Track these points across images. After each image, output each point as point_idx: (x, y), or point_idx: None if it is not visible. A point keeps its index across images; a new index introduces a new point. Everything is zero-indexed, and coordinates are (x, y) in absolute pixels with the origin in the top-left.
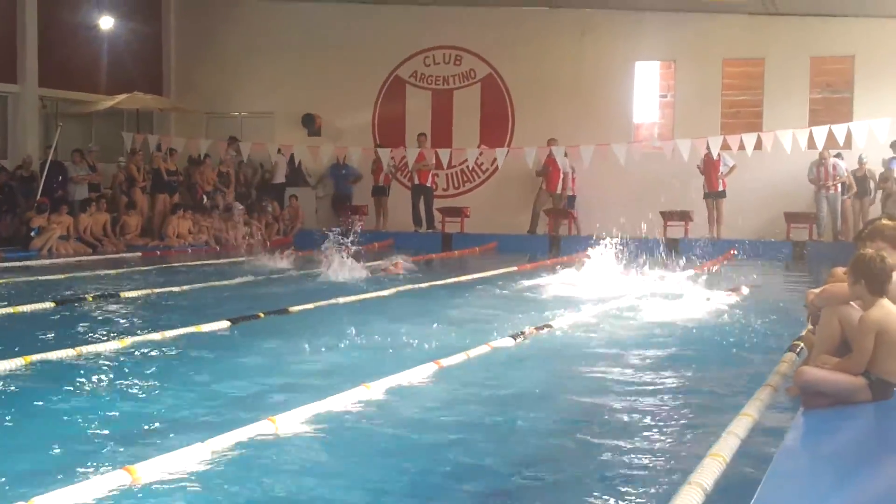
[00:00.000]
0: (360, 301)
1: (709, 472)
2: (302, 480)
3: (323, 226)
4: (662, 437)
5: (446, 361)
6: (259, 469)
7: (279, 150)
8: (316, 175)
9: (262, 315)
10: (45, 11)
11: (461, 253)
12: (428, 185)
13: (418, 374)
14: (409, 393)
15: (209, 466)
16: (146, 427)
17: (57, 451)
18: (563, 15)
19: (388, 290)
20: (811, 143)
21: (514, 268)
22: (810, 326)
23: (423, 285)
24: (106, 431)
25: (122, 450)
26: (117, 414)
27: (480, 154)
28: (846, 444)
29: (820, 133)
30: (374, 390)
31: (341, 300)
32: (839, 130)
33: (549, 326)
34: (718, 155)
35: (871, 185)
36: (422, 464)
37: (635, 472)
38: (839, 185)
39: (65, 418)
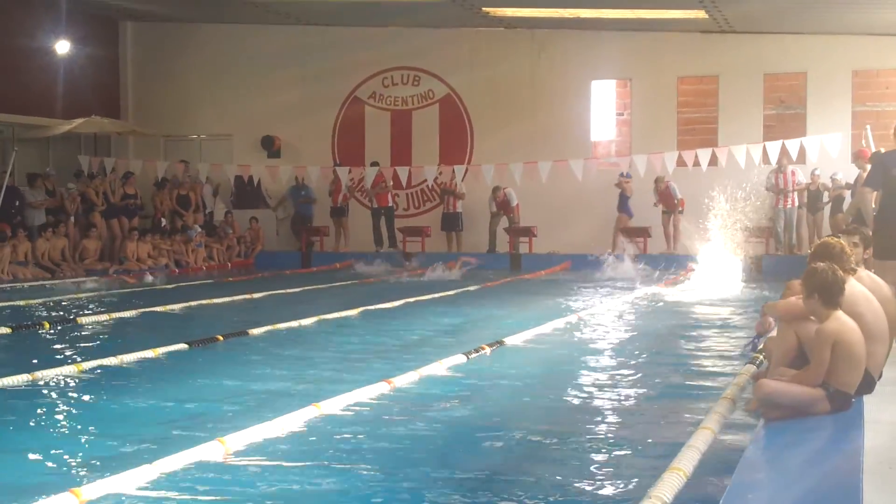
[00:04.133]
0: (319, 322)
1: (668, 485)
2: (249, 502)
3: (284, 247)
4: (621, 452)
5: (398, 380)
6: (207, 490)
7: (207, 179)
8: (276, 196)
9: (220, 338)
10: (0, 35)
11: (422, 271)
12: (389, 205)
13: (369, 393)
14: (359, 412)
15: (157, 488)
16: (95, 449)
17: (3, 473)
18: (520, 35)
19: (348, 311)
20: (765, 159)
21: (474, 286)
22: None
23: (384, 305)
24: (54, 454)
25: (69, 472)
26: (67, 436)
27: (440, 173)
28: (806, 456)
29: (774, 148)
30: (325, 409)
31: (304, 322)
32: (793, 145)
33: (502, 343)
34: (666, 185)
35: (825, 198)
36: (371, 482)
37: (593, 488)
38: (795, 197)
39: (14, 441)
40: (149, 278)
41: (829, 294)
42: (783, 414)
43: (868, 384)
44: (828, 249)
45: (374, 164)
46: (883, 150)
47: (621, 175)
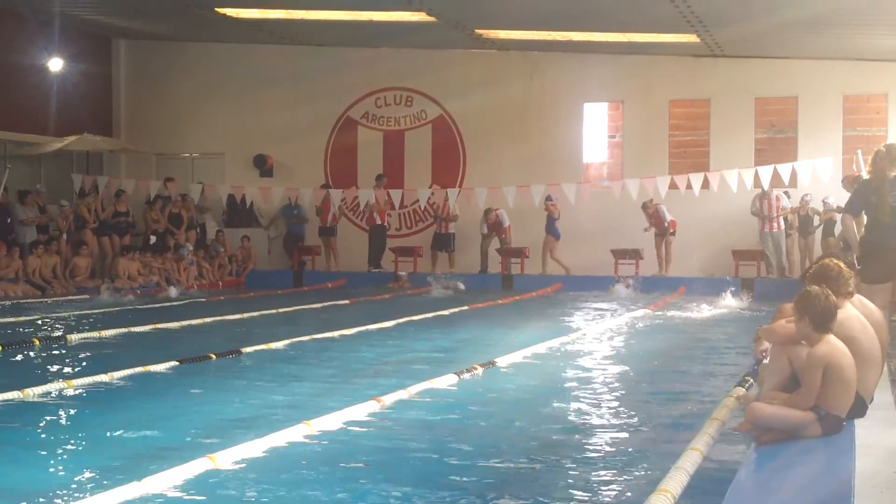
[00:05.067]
0: (310, 341)
1: None
2: None
3: (275, 266)
4: (610, 473)
5: (388, 399)
6: None
7: (201, 193)
8: (268, 216)
9: (213, 356)
10: None
11: (414, 292)
12: (383, 224)
13: (359, 412)
14: (350, 430)
15: None
16: (84, 466)
17: None
18: (513, 57)
19: (339, 330)
20: (757, 182)
21: (466, 307)
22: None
23: (375, 325)
24: (44, 471)
25: (58, 489)
26: (56, 454)
27: (432, 194)
28: (798, 479)
29: (765, 172)
30: (315, 427)
31: (296, 340)
32: (784, 170)
33: (494, 363)
34: (656, 209)
35: (816, 222)
36: (361, 500)
37: None
38: (782, 221)
39: (3, 458)
40: (173, 292)
41: (820, 318)
42: (774, 437)
43: (860, 408)
44: (825, 271)
45: (380, 176)
46: (865, 176)
47: (547, 199)
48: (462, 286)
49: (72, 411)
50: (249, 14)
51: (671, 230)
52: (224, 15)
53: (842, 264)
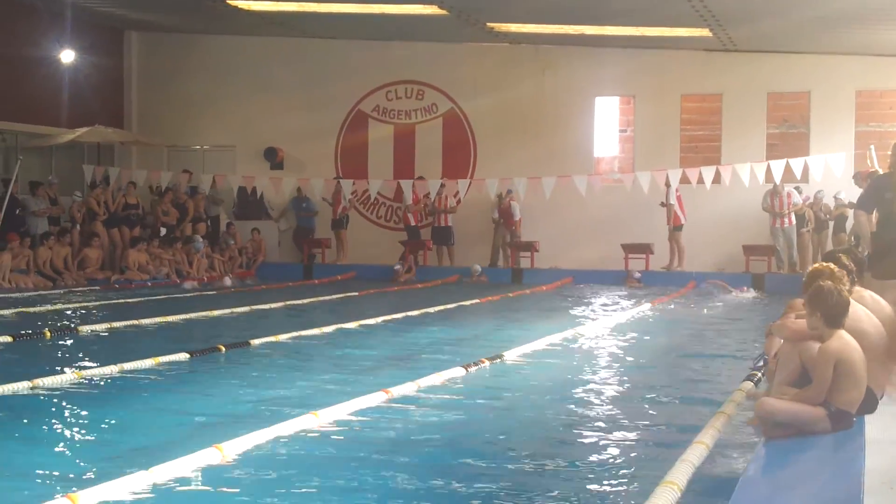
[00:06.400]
0: (319, 333)
1: (662, 499)
2: None
3: (286, 259)
4: (617, 467)
5: (396, 390)
6: (204, 496)
7: (211, 187)
8: (278, 208)
9: (222, 348)
10: (5, 44)
11: (424, 285)
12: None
13: (367, 403)
14: (357, 421)
15: (153, 493)
16: (93, 455)
17: (2, 478)
18: (524, 51)
19: (348, 323)
20: (769, 177)
21: (476, 300)
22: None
23: (380, 319)
24: (52, 459)
25: (67, 477)
26: (65, 443)
27: (442, 186)
28: (807, 475)
29: (777, 167)
30: (323, 418)
31: (305, 332)
32: (796, 164)
33: (501, 357)
34: (667, 187)
35: (828, 218)
36: (367, 491)
37: (587, 502)
38: (793, 217)
39: (13, 447)
40: (226, 282)
41: (832, 313)
42: (784, 433)
43: (870, 403)
44: (817, 275)
45: (421, 178)
46: (880, 172)
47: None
48: (478, 267)
49: (81, 401)
50: (261, 6)
51: (673, 224)
52: (236, 7)
53: (833, 266)
